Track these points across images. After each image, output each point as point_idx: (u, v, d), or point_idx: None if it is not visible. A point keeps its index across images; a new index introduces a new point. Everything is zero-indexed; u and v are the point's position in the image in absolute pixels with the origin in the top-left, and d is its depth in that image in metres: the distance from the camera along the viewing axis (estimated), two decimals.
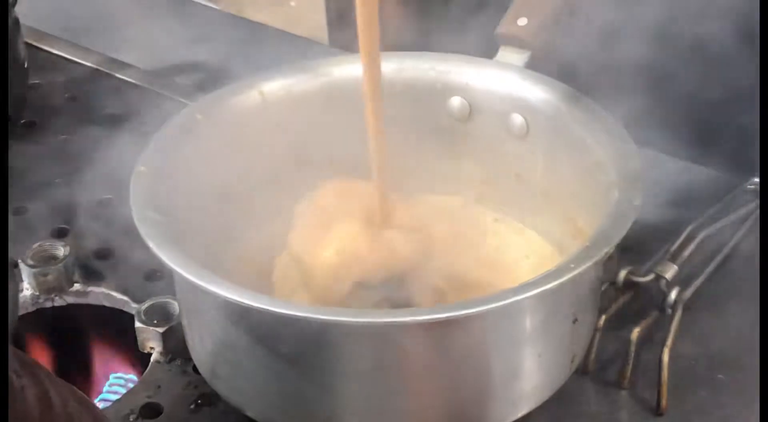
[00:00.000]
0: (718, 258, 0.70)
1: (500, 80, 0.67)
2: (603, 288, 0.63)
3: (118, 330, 0.71)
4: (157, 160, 0.63)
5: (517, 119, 0.67)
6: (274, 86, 0.68)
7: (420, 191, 0.69)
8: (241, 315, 0.56)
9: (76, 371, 0.74)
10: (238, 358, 0.59)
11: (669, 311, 0.64)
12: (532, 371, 0.59)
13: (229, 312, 0.57)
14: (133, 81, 0.92)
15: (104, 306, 0.72)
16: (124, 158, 0.66)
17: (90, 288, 0.72)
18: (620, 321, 0.65)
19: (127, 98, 0.89)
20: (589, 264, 0.55)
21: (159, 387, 0.65)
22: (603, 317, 0.64)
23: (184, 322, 0.63)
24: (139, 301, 0.68)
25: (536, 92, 0.66)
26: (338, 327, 0.54)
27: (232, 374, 0.60)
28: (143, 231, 0.57)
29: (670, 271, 0.64)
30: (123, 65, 0.94)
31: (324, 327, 0.54)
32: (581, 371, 0.63)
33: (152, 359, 0.67)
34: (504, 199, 0.69)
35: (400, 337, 0.55)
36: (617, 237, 0.56)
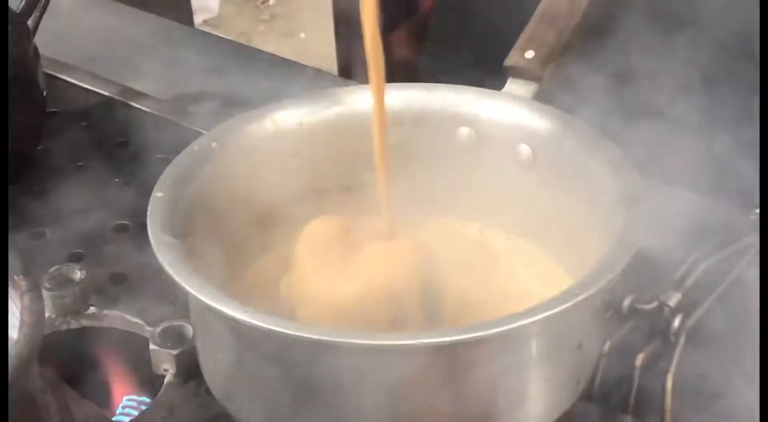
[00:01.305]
0: (721, 286, 0.70)
1: (508, 111, 0.69)
2: (608, 315, 0.64)
3: (132, 352, 0.72)
4: (174, 186, 0.64)
5: (525, 149, 0.68)
6: (287, 115, 0.70)
7: (429, 219, 0.70)
8: (255, 337, 0.57)
9: (91, 393, 0.75)
10: (252, 380, 0.60)
11: (672, 338, 0.65)
12: (537, 395, 0.60)
13: (243, 335, 0.58)
14: (148, 110, 0.94)
15: (119, 329, 0.73)
16: (140, 185, 0.67)
17: (105, 312, 0.73)
18: (625, 348, 0.65)
19: (143, 126, 0.91)
20: (593, 290, 0.56)
21: (172, 409, 0.66)
22: (608, 343, 0.64)
23: (198, 345, 0.64)
24: (153, 324, 0.70)
25: (543, 123, 0.67)
26: (350, 349, 0.55)
27: (245, 396, 0.61)
28: (160, 255, 0.58)
29: (674, 299, 0.65)
30: (139, 94, 0.96)
31: (336, 349, 0.55)
32: (586, 396, 0.64)
33: (166, 381, 0.68)
34: (512, 227, 0.70)
35: (408, 360, 0.56)
36: (621, 265, 0.57)
